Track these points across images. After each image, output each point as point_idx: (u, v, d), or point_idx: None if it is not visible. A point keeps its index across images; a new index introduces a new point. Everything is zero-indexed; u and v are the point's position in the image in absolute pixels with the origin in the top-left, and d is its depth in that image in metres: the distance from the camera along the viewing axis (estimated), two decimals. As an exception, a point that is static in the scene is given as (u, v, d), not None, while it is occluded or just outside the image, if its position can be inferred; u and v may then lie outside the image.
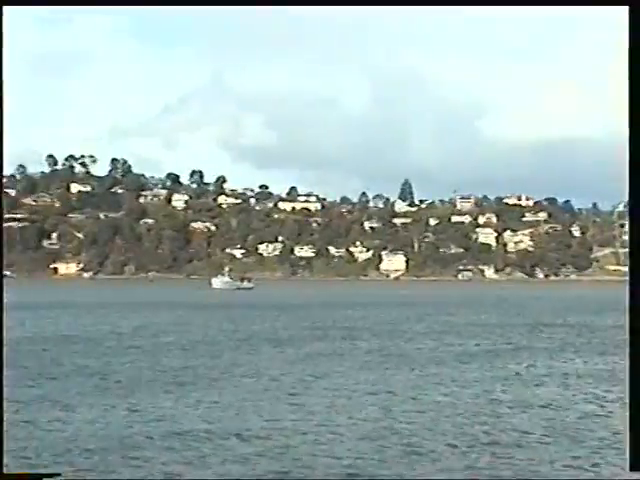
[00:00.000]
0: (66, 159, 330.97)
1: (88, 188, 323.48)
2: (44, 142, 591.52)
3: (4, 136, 9.77)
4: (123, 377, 46.09)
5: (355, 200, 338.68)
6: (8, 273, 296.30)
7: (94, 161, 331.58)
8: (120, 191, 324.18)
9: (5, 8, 9.26)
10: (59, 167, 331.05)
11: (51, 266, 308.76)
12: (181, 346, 63.71)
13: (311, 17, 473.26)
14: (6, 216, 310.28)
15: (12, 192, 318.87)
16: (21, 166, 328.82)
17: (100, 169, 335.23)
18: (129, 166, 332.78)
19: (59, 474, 9.47)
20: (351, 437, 30.46)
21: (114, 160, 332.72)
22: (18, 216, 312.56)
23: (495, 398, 39.23)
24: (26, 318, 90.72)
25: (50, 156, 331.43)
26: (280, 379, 45.43)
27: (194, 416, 34.40)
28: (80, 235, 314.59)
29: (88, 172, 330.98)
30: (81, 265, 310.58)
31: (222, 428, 31.50)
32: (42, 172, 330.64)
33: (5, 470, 9.82)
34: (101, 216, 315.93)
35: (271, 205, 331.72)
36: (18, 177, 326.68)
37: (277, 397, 39.10)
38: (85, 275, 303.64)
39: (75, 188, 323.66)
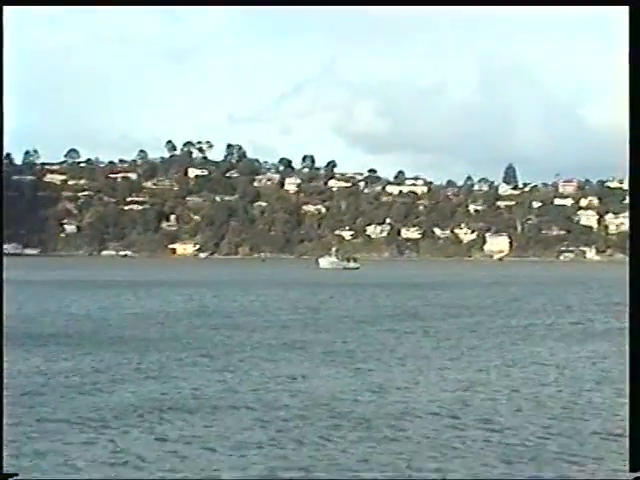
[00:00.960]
0: (184, 145, 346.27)
1: (205, 172, 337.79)
2: (165, 128, 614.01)
3: (4, 137, 9.23)
4: (268, 347, 49.54)
5: (460, 183, 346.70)
6: (129, 253, 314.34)
7: (211, 147, 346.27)
8: (235, 175, 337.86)
9: (5, 8, 8.59)
10: (178, 152, 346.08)
11: (169, 246, 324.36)
12: (304, 322, 65.85)
13: (422, 14, 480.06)
14: (128, 199, 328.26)
15: (134, 176, 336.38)
16: (142, 151, 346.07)
17: (216, 154, 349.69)
18: (244, 152, 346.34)
19: (16, 474, 9.42)
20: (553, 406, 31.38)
21: (230, 146, 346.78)
22: (139, 199, 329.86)
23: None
24: (153, 295, 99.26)
25: (169, 142, 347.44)
26: (431, 356, 45.46)
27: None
28: (197, 217, 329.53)
29: (205, 157, 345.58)
30: (198, 246, 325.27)
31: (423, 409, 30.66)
32: (162, 157, 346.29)
33: (5, 470, 9.66)
34: (217, 199, 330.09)
35: (379, 189, 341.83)
36: (139, 162, 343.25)
37: (441, 375, 38.48)
38: (201, 255, 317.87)
39: (193, 172, 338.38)
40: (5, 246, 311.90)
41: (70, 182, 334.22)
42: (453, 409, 30.63)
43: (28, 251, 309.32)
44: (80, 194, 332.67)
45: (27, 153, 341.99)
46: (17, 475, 10.35)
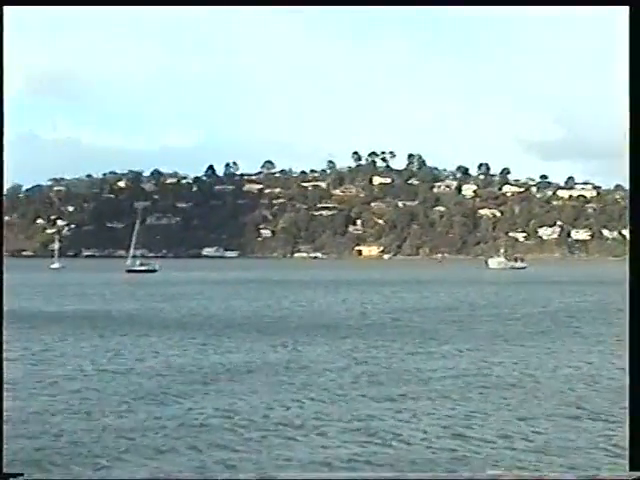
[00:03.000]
0: (369, 155, 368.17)
1: (388, 180, 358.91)
2: (351, 140, 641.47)
3: (4, 139, 9.33)
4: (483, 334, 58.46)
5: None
6: (319, 255, 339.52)
7: (393, 156, 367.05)
8: (416, 182, 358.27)
9: (5, 8, 8.77)
10: (363, 162, 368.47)
11: (356, 248, 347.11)
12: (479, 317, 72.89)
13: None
14: (318, 205, 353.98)
15: (323, 184, 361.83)
16: (331, 162, 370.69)
17: (399, 163, 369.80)
18: (423, 160, 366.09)
19: (22, 474, 8.87)
20: None
21: (411, 155, 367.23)
22: (328, 205, 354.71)
23: None
24: (366, 292, 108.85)
25: (355, 153, 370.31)
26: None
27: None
28: (381, 221, 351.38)
29: (388, 166, 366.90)
30: (382, 247, 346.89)
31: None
32: (349, 167, 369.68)
33: (5, 470, 9.49)
34: (399, 204, 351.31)
35: (550, 193, 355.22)
36: (328, 172, 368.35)
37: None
38: (385, 256, 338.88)
39: (377, 180, 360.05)
40: (208, 249, 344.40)
41: (266, 191, 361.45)
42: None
43: (228, 254, 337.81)
44: (275, 201, 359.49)
45: (228, 165, 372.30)
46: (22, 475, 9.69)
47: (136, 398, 33.42)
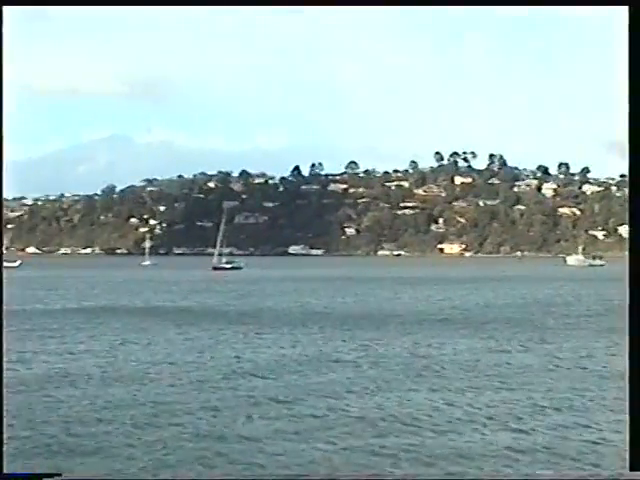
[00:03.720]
0: (451, 155, 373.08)
1: (469, 180, 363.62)
2: (432, 141, 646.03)
3: (4, 139, 9.14)
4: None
5: None
6: (402, 252, 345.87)
7: (475, 156, 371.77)
8: (497, 182, 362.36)
9: (5, 8, 8.71)
10: (445, 162, 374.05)
11: (438, 246, 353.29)
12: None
13: None
14: (401, 204, 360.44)
15: (406, 184, 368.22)
16: (413, 162, 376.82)
17: (480, 163, 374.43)
18: (504, 160, 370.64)
19: (59, 474, 8.67)
20: None
21: (491, 155, 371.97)
22: (411, 204, 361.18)
23: None
24: (463, 289, 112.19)
25: (437, 153, 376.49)
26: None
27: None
28: (462, 220, 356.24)
29: (469, 166, 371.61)
30: (463, 245, 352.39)
31: None
32: (431, 167, 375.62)
33: (5, 470, 9.54)
34: (480, 204, 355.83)
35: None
36: (411, 171, 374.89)
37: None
38: (466, 254, 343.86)
39: (458, 180, 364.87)
40: (294, 247, 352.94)
41: (350, 190, 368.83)
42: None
43: (314, 252, 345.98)
44: (359, 201, 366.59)
45: (313, 166, 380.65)
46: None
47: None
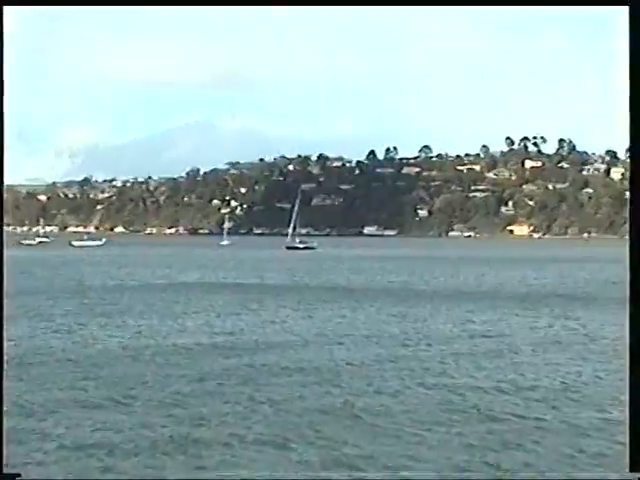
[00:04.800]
0: (521, 140, 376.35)
1: (539, 163, 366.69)
2: (503, 126, 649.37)
3: (4, 139, 9.12)
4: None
5: None
6: (472, 234, 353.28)
7: (544, 141, 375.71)
8: (566, 166, 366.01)
9: (5, 8, 8.67)
10: (515, 147, 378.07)
11: (507, 228, 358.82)
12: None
13: None
14: (472, 187, 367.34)
15: (477, 168, 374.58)
16: (484, 146, 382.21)
17: (549, 148, 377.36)
18: (574, 145, 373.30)
19: (19, 474, 8.57)
20: None
21: (561, 140, 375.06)
22: (482, 187, 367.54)
23: None
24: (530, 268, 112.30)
25: (508, 138, 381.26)
26: None
27: None
28: (532, 202, 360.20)
29: (539, 150, 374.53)
30: (532, 227, 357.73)
31: None
32: (501, 151, 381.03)
33: (5, 470, 9.53)
34: (549, 187, 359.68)
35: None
36: (482, 155, 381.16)
37: None
38: (535, 235, 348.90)
39: (528, 164, 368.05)
40: (368, 228, 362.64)
41: (424, 174, 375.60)
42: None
43: (387, 232, 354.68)
44: (432, 184, 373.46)
45: (388, 150, 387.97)
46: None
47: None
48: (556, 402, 28.61)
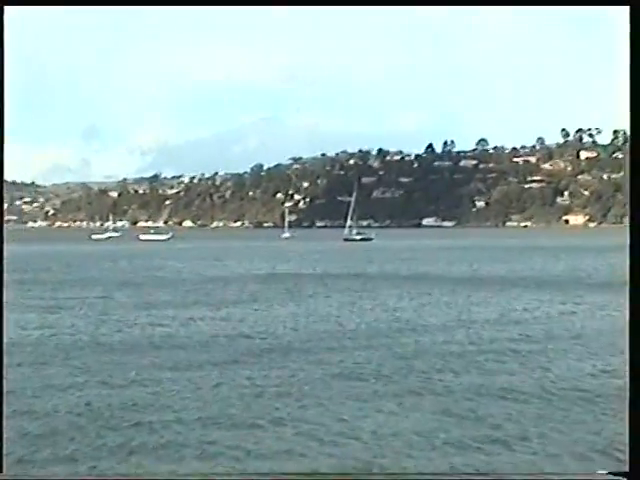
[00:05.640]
0: (576, 132, 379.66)
1: (594, 154, 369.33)
2: (559, 118, 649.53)
3: (4, 138, 7.50)
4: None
5: None
6: (529, 224, 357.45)
7: (599, 132, 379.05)
8: (620, 156, 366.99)
9: (6, 8, 7.48)
10: (570, 138, 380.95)
11: (563, 218, 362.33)
12: None
13: None
14: (528, 179, 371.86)
15: (533, 159, 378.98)
16: (540, 138, 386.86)
17: (604, 139, 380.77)
18: (627, 136, 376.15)
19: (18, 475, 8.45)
20: None
21: (615, 131, 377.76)
22: (537, 178, 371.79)
23: None
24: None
25: (563, 129, 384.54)
26: None
27: None
28: (587, 192, 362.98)
29: (594, 141, 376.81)
30: (587, 217, 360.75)
31: None
32: (557, 143, 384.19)
33: (5, 470, 9.42)
34: (604, 177, 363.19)
35: None
36: (538, 147, 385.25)
37: None
38: (591, 225, 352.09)
39: (584, 155, 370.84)
40: (427, 220, 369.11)
41: (480, 166, 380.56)
42: None
43: (445, 224, 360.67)
44: (488, 175, 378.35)
45: (445, 143, 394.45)
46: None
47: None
48: None
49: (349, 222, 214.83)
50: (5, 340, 10.39)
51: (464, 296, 60.51)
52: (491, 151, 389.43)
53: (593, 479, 8.45)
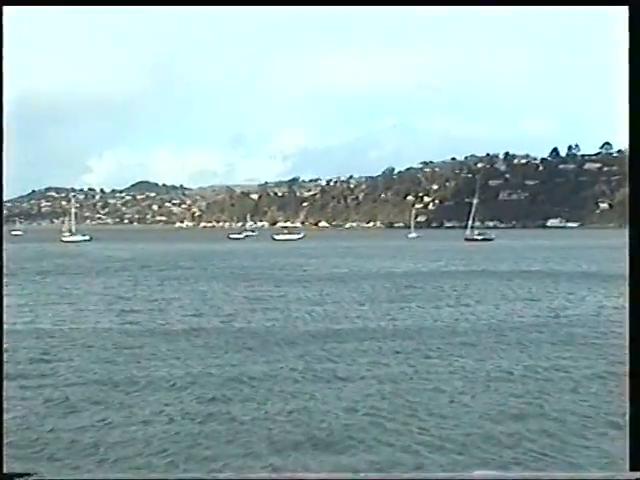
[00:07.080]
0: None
1: None
2: None
3: (4, 137, 7.00)
4: None
5: None
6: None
7: None
8: None
9: (5, 8, 6.91)
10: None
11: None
12: None
13: None
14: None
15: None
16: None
17: None
18: None
19: (30, 474, 5.64)
20: None
21: None
22: None
23: None
24: None
25: None
26: None
27: None
28: None
29: None
30: None
31: None
32: None
33: (5, 470, 8.22)
34: None
35: None
36: None
37: None
38: None
39: None
40: (552, 221, 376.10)
41: (604, 169, 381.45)
42: None
43: (569, 225, 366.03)
44: (612, 178, 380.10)
45: (570, 147, 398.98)
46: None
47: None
48: None
49: (470, 222, 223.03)
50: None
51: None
52: (615, 154, 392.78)
53: (598, 478, 7.23)
